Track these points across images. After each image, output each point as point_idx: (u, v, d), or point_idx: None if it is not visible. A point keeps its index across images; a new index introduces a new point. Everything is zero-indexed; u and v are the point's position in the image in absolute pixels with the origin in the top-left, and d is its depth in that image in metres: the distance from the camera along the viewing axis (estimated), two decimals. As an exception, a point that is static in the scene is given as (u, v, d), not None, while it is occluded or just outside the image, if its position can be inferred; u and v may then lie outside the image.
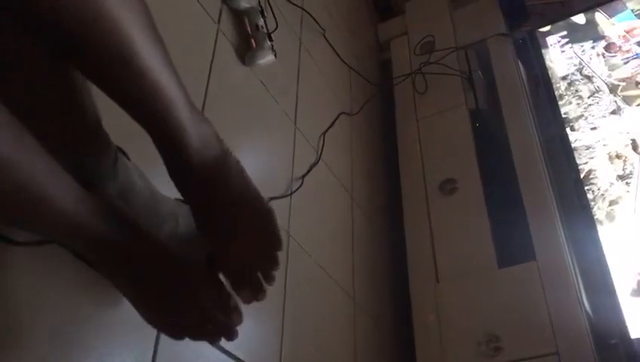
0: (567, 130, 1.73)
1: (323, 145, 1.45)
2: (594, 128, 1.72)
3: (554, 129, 1.74)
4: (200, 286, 0.63)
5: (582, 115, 1.74)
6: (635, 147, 1.66)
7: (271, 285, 0.67)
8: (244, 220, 0.64)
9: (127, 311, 0.71)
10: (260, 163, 1.17)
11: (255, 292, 0.65)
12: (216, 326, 0.64)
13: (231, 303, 0.64)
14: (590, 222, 1.54)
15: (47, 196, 0.49)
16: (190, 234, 0.73)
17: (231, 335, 0.64)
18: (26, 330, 0.59)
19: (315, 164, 1.39)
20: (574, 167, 1.66)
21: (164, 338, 0.75)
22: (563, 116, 1.76)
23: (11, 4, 0.42)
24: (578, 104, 1.77)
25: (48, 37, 0.46)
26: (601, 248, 1.49)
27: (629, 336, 1.35)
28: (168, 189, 0.68)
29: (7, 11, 0.43)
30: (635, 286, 1.54)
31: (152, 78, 0.53)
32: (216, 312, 0.63)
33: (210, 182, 0.64)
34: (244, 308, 0.66)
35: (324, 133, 1.48)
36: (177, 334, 0.64)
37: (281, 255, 0.68)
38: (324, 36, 1.69)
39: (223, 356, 0.86)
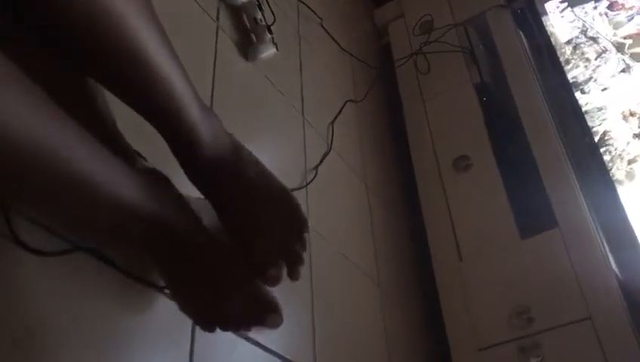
0: (577, 93, 1.71)
1: (333, 134, 1.44)
2: (604, 89, 1.70)
3: (563, 94, 1.72)
4: (244, 275, 0.63)
5: (591, 78, 1.72)
6: (648, 103, 1.64)
7: (301, 265, 0.65)
8: (266, 207, 0.64)
9: (160, 314, 0.71)
10: (272, 156, 1.16)
11: (290, 272, 0.64)
12: (250, 316, 0.63)
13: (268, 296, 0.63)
14: (609, 183, 1.52)
15: (93, 180, 0.48)
16: (214, 229, 0.72)
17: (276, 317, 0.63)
18: (61, 339, 0.59)
19: (327, 153, 1.38)
20: (587, 131, 1.64)
21: (199, 335, 0.74)
22: (572, 80, 1.73)
23: (21, 5, 0.42)
24: (586, 67, 1.75)
25: (57, 37, 0.46)
26: (623, 208, 1.47)
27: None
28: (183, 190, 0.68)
29: (17, 13, 0.43)
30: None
31: (160, 73, 0.53)
32: (255, 304, 0.62)
33: (226, 174, 0.63)
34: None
35: (332, 122, 1.48)
36: (212, 324, 0.63)
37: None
38: (322, 25, 1.68)
39: (259, 350, 0.85)
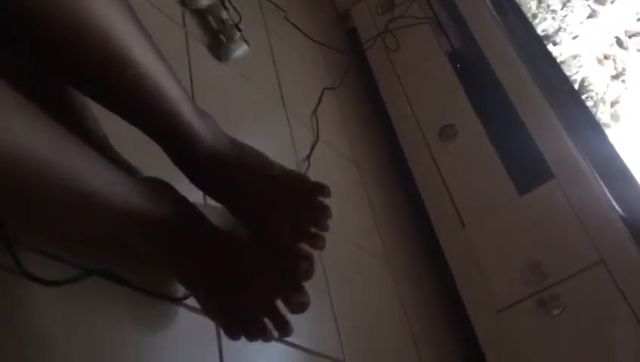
0: (550, 45, 1.71)
1: (317, 123, 1.43)
2: (575, 37, 1.70)
3: (535, 48, 1.72)
4: (260, 262, 0.61)
5: (560, 28, 1.73)
6: (619, 43, 1.65)
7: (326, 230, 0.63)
8: (278, 192, 0.62)
9: (184, 326, 0.69)
10: (263, 154, 1.14)
11: (313, 242, 0.62)
12: (275, 317, 0.61)
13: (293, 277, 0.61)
14: (595, 125, 1.53)
15: (94, 191, 0.46)
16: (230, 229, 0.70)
17: (286, 331, 0.61)
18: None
19: (316, 143, 1.36)
20: (565, 79, 1.64)
21: (226, 342, 0.72)
22: (542, 33, 1.74)
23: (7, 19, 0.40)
24: (553, 18, 1.75)
25: (44, 52, 0.44)
26: (612, 146, 1.48)
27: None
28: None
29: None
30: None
31: (151, 79, 0.51)
32: (276, 297, 0.60)
33: (230, 169, 0.62)
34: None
35: (314, 112, 1.46)
36: (236, 328, 0.61)
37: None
38: (287, 18, 1.66)
39: (288, 348, 0.84)
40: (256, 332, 0.61)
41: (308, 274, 0.60)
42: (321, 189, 0.63)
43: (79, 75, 0.48)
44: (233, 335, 0.62)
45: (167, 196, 0.59)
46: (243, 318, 0.60)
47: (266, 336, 0.61)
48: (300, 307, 0.60)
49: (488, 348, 1.35)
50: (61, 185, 0.42)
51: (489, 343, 1.36)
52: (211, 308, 0.61)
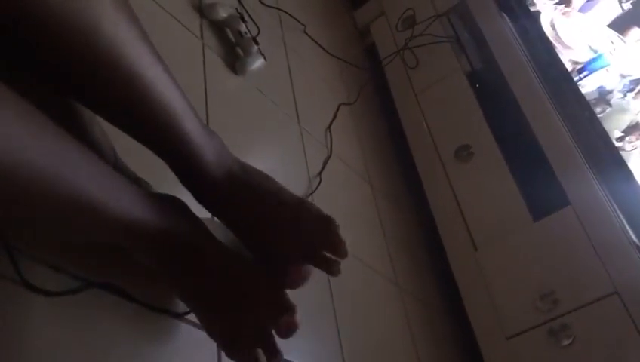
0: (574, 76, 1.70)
1: (331, 138, 1.42)
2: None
3: (556, 72, 1.70)
4: (261, 286, 0.60)
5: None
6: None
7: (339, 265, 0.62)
8: (285, 218, 0.61)
9: (183, 342, 0.68)
10: (274, 168, 1.13)
11: (328, 266, 0.61)
12: (268, 346, 0.60)
13: (283, 302, 0.60)
14: (614, 153, 1.50)
15: (98, 201, 0.46)
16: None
17: (277, 359, 0.60)
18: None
19: (328, 158, 1.35)
20: (586, 106, 1.62)
21: (225, 359, 0.71)
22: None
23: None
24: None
25: (53, 68, 0.44)
26: (632, 175, 1.45)
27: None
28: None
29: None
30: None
31: (160, 97, 0.51)
32: (274, 319, 0.59)
33: (238, 191, 0.61)
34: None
35: (329, 127, 1.45)
36: (235, 346, 0.60)
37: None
38: (306, 32, 1.66)
39: (289, 367, 0.82)
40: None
41: (289, 329, 0.59)
42: (329, 221, 0.62)
43: (87, 92, 0.48)
44: (231, 358, 0.61)
45: (175, 212, 0.59)
46: (238, 345, 0.59)
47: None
48: (285, 331, 0.59)
49: (496, 375, 1.33)
50: (62, 195, 0.42)
51: (497, 370, 1.33)
52: (211, 329, 0.61)
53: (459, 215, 1.58)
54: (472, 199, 1.59)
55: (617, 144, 1.52)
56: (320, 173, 1.27)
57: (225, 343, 0.61)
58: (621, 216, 1.39)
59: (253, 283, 0.59)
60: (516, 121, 1.61)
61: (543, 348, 1.29)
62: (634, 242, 1.32)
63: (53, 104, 0.50)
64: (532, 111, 1.59)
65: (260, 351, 0.59)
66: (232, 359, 0.61)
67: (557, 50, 1.74)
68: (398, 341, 1.23)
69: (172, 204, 0.59)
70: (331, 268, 0.61)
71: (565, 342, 1.26)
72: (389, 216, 1.54)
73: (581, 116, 1.59)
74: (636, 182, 1.44)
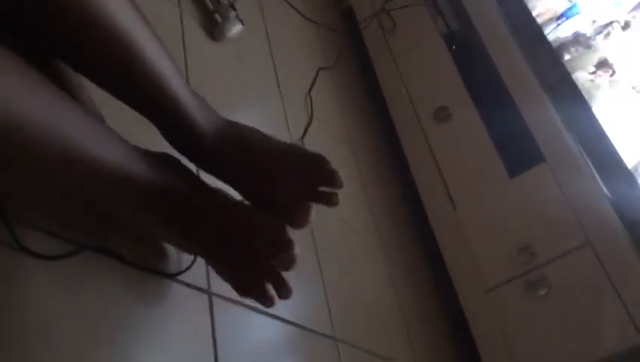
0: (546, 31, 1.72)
1: (312, 103, 1.44)
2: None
3: (530, 29, 1.72)
4: (260, 225, 0.62)
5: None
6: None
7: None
8: (281, 165, 0.64)
9: (176, 302, 0.71)
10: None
11: (326, 199, 0.63)
12: (275, 279, 0.63)
13: (281, 238, 0.63)
14: (586, 109, 1.54)
15: (95, 156, 0.48)
16: None
17: (286, 291, 0.63)
18: (78, 340, 0.58)
19: (310, 123, 1.37)
20: (559, 63, 1.65)
21: (218, 317, 0.74)
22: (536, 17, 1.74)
23: None
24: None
25: (44, 33, 0.45)
26: (604, 132, 1.50)
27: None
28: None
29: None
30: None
31: (150, 61, 0.52)
32: (274, 256, 0.62)
33: (233, 147, 0.63)
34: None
35: (309, 92, 1.47)
36: (246, 285, 0.63)
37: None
38: (282, -3, 1.66)
39: (279, 323, 0.86)
40: (260, 299, 0.63)
41: (290, 263, 0.62)
42: (322, 158, 0.64)
43: (79, 57, 0.49)
44: (244, 297, 0.64)
45: (169, 165, 0.61)
46: (248, 284, 0.62)
47: (267, 303, 0.63)
48: (286, 265, 0.61)
49: (476, 327, 1.38)
50: (61, 151, 0.43)
51: (477, 322, 1.39)
52: (222, 273, 0.63)
53: (438, 174, 1.61)
54: (451, 158, 1.63)
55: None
56: (302, 138, 1.29)
57: (236, 284, 0.64)
58: (594, 170, 1.44)
59: (252, 224, 0.62)
60: (492, 80, 1.64)
61: (520, 299, 1.35)
62: (606, 195, 1.37)
63: (41, 69, 0.51)
64: (507, 70, 1.62)
65: (269, 286, 0.62)
66: (246, 297, 0.64)
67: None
68: (383, 296, 1.27)
69: (165, 158, 0.61)
70: (331, 200, 0.64)
71: (541, 292, 1.32)
72: (370, 177, 1.57)
73: (554, 74, 1.62)
74: (608, 138, 1.48)
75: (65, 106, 0.44)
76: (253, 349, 0.79)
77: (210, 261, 0.64)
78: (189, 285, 0.73)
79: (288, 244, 0.62)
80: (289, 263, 0.62)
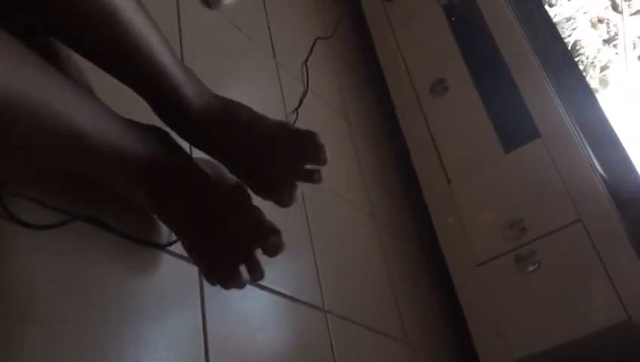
0: (546, 6, 1.70)
1: (307, 74, 1.42)
2: (571, -2, 1.69)
3: (531, 5, 1.70)
4: (243, 210, 0.62)
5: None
6: (614, 7, 1.63)
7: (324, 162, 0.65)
8: (270, 142, 0.64)
9: (166, 272, 0.72)
10: (250, 103, 1.14)
11: (309, 176, 0.64)
12: (251, 263, 0.63)
13: (268, 224, 0.63)
14: (585, 87, 1.54)
15: (88, 130, 0.48)
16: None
17: (261, 274, 0.63)
18: (67, 309, 0.58)
19: (305, 94, 1.36)
20: (559, 39, 1.64)
21: (208, 288, 0.75)
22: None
23: None
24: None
25: (29, 5, 0.44)
26: (601, 109, 1.49)
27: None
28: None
29: None
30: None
31: (140, 36, 0.52)
32: (260, 240, 0.62)
33: (221, 124, 0.63)
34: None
35: (305, 62, 1.45)
36: (213, 274, 0.64)
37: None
38: (281, -36, 1.63)
39: (268, 294, 0.87)
40: (230, 282, 0.63)
41: (278, 248, 0.62)
42: (312, 135, 0.64)
43: (67, 31, 0.48)
44: (211, 281, 0.65)
45: (159, 139, 0.61)
46: (219, 265, 0.62)
47: (238, 286, 0.63)
48: (274, 249, 0.62)
49: (466, 300, 1.40)
50: (51, 124, 0.43)
51: (467, 295, 1.41)
52: (193, 252, 0.64)
53: (433, 148, 1.61)
54: (446, 133, 1.63)
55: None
56: (297, 109, 1.28)
57: (207, 266, 0.64)
58: (589, 148, 1.44)
59: (237, 205, 0.62)
60: (491, 55, 1.62)
61: (510, 274, 1.36)
62: (598, 172, 1.37)
63: (29, 41, 0.51)
64: (506, 45, 1.60)
65: (241, 269, 0.62)
66: (212, 280, 0.65)
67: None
68: (373, 269, 1.29)
69: (156, 132, 0.61)
70: (312, 177, 0.64)
71: (531, 268, 1.33)
72: (365, 150, 1.57)
73: (554, 49, 1.61)
74: (604, 114, 1.48)
75: (55, 79, 0.44)
76: (242, 320, 0.80)
77: (187, 241, 0.64)
78: (179, 256, 0.73)
79: (276, 230, 0.62)
80: (277, 249, 0.62)
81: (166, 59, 0.57)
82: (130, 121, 0.56)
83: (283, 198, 0.65)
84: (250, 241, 0.61)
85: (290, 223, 0.93)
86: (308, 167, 0.65)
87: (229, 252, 0.62)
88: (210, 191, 0.61)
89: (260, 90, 1.21)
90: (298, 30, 1.57)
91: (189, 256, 0.66)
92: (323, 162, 0.63)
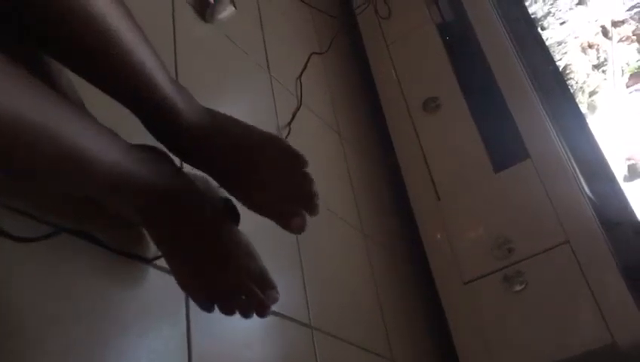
0: (538, 29, 1.72)
1: (301, 88, 1.43)
2: (563, 22, 1.71)
3: (524, 27, 1.72)
4: (241, 250, 0.63)
5: (549, 12, 1.73)
6: (605, 33, 1.66)
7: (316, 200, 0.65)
8: (260, 157, 0.64)
9: (152, 286, 0.71)
10: (243, 117, 1.14)
11: (309, 207, 0.63)
12: (251, 296, 0.62)
13: (266, 277, 0.63)
14: (576, 110, 1.55)
15: (87, 155, 0.48)
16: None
17: (264, 311, 0.62)
18: (53, 321, 0.58)
19: (298, 109, 1.37)
20: (551, 61, 1.65)
21: (193, 305, 0.75)
22: (532, 16, 1.74)
23: None
24: (544, 1, 1.75)
25: (22, 21, 0.44)
26: (591, 133, 1.51)
27: (633, 214, 1.38)
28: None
29: None
30: (625, 172, 1.57)
31: (129, 50, 0.52)
32: (252, 284, 0.62)
33: (211, 138, 0.63)
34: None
35: (299, 77, 1.46)
36: (209, 300, 0.63)
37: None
38: (278, -22, 1.64)
39: (254, 310, 0.86)
40: (235, 308, 0.63)
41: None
42: (298, 158, 0.64)
43: (57, 45, 0.49)
44: (205, 308, 0.64)
45: (158, 161, 0.61)
46: (218, 294, 0.62)
47: (246, 312, 0.63)
48: (271, 302, 0.62)
49: (453, 317, 1.40)
50: (49, 145, 0.43)
51: (454, 313, 1.41)
52: (184, 279, 0.63)
53: (424, 164, 1.62)
54: (438, 149, 1.64)
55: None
56: (289, 124, 1.29)
57: (195, 294, 0.63)
58: (577, 170, 1.45)
59: (234, 242, 0.62)
60: (483, 74, 1.64)
61: (497, 292, 1.37)
62: (587, 194, 1.38)
63: (19, 56, 0.51)
64: (499, 65, 1.62)
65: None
66: (205, 309, 0.64)
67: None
68: (362, 286, 1.29)
69: (154, 153, 0.61)
70: (311, 208, 0.64)
71: (518, 288, 1.34)
72: (356, 165, 1.57)
73: (546, 71, 1.63)
74: (593, 137, 1.49)
75: (53, 101, 0.44)
76: (227, 336, 0.80)
77: (176, 266, 0.63)
78: (165, 270, 0.73)
79: (273, 285, 0.62)
80: (273, 302, 0.62)
81: (159, 76, 0.57)
82: (127, 144, 0.56)
83: (274, 214, 0.65)
84: (242, 285, 0.61)
85: (279, 237, 0.93)
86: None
87: (221, 289, 0.62)
88: (201, 219, 0.61)
89: (253, 103, 1.22)
90: (293, 45, 1.58)
91: (176, 281, 0.65)
92: (315, 212, 0.64)
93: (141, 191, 0.57)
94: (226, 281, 0.61)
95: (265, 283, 0.63)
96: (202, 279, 0.62)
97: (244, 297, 0.62)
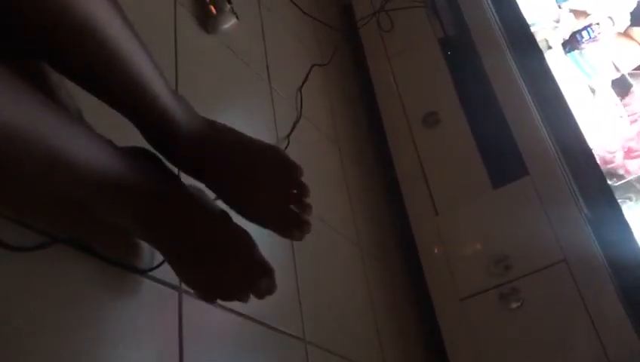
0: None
1: (301, 100, 1.43)
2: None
3: (525, 43, 1.73)
4: (239, 243, 0.63)
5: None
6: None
7: (310, 214, 0.65)
8: (258, 167, 0.64)
9: (145, 297, 0.71)
10: (242, 129, 1.14)
11: (300, 226, 0.64)
12: (251, 288, 0.63)
13: (267, 265, 0.64)
14: (575, 128, 1.55)
15: (77, 160, 0.48)
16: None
17: (262, 298, 0.63)
18: (47, 331, 0.58)
19: (298, 121, 1.37)
20: (551, 77, 1.66)
21: (186, 313, 0.75)
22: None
23: None
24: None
25: (21, 31, 0.45)
26: (589, 148, 1.51)
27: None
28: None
29: None
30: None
31: (128, 61, 0.53)
32: (252, 276, 0.62)
33: (209, 148, 0.64)
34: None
35: (300, 89, 1.47)
36: (211, 293, 0.64)
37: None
38: (281, -10, 1.65)
39: (248, 322, 0.86)
40: (235, 299, 0.64)
41: (270, 289, 0.63)
42: (294, 168, 0.65)
43: (56, 54, 0.49)
44: (208, 301, 0.65)
45: (149, 165, 0.61)
46: (220, 289, 0.63)
47: (245, 301, 0.64)
48: (267, 290, 0.62)
49: (448, 333, 1.40)
50: (41, 154, 0.44)
51: (449, 328, 1.41)
52: (187, 278, 0.64)
53: (423, 179, 1.62)
54: (436, 164, 1.64)
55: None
56: (288, 135, 1.29)
57: (200, 292, 0.64)
58: (576, 188, 1.45)
59: (229, 238, 0.62)
60: (484, 90, 1.64)
61: (493, 309, 1.36)
62: (585, 213, 1.38)
63: (18, 66, 0.51)
64: (499, 82, 1.62)
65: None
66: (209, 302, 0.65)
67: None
68: (357, 300, 1.28)
69: (146, 157, 0.61)
70: (301, 227, 0.64)
71: (514, 305, 1.33)
72: (355, 178, 1.57)
73: (546, 88, 1.63)
74: (594, 157, 1.49)
75: (44, 108, 0.44)
76: (221, 349, 0.80)
77: (177, 267, 0.64)
78: (159, 281, 0.73)
79: (270, 270, 0.62)
80: (267, 291, 0.62)
81: (157, 86, 0.57)
82: (121, 149, 0.56)
83: (271, 225, 0.65)
84: (241, 279, 0.62)
85: (274, 249, 0.93)
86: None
87: (222, 283, 0.63)
88: (197, 220, 0.61)
89: (253, 114, 1.22)
90: (295, 56, 1.58)
91: (180, 279, 0.66)
92: (306, 194, 0.64)
93: (135, 194, 0.57)
94: (226, 276, 0.62)
95: (263, 271, 0.63)
96: (203, 275, 0.62)
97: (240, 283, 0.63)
